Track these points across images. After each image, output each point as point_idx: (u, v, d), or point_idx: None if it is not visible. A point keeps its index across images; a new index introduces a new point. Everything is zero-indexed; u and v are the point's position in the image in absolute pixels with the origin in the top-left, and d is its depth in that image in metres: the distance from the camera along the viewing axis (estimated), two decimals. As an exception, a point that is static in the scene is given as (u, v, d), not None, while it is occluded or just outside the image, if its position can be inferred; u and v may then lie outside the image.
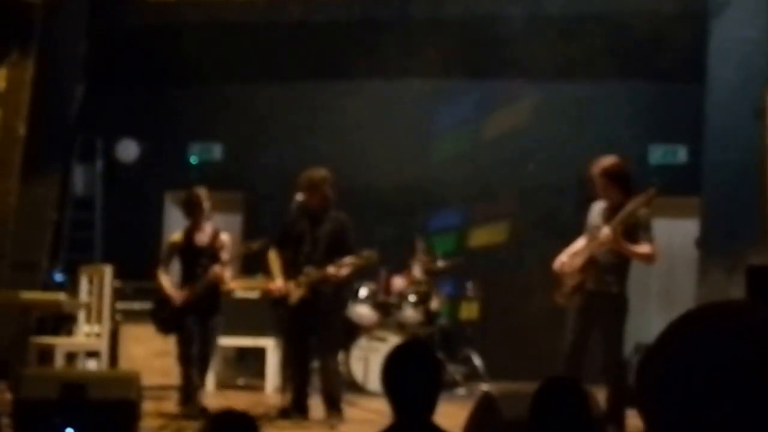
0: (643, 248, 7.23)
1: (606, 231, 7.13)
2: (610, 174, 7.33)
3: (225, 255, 8.43)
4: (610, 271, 7.29)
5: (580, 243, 7.56)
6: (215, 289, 8.50)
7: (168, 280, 8.50)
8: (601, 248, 7.24)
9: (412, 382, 3.51)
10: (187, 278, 8.46)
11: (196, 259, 8.42)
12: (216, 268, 8.34)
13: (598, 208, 7.51)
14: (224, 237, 8.54)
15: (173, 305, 8.35)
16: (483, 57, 11.45)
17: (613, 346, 7.28)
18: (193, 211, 8.53)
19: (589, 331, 7.32)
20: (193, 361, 8.31)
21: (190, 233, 8.53)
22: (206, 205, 8.50)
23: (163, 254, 8.69)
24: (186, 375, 8.35)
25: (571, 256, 7.50)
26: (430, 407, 3.50)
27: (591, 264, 7.32)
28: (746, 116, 9.26)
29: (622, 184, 7.33)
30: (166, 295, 8.40)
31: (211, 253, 8.40)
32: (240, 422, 3.49)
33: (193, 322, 8.34)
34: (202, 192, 8.56)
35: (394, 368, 3.57)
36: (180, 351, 8.44)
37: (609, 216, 7.32)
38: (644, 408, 1.50)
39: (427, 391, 3.53)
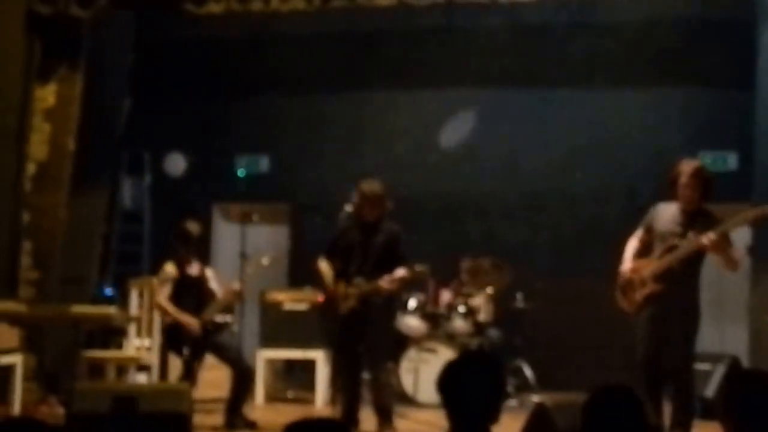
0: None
1: (712, 236, 6.86)
2: (703, 176, 7.15)
3: (214, 284, 8.62)
4: (685, 281, 7.11)
5: (632, 246, 7.36)
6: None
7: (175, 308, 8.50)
8: (688, 254, 7.02)
9: (470, 395, 3.36)
10: (183, 308, 8.44)
11: (189, 289, 8.52)
12: (234, 286, 8.50)
13: (669, 213, 7.26)
14: (208, 270, 8.75)
15: (187, 334, 8.37)
16: (529, 65, 11.37)
17: (687, 356, 7.14)
18: (198, 246, 8.63)
19: (663, 340, 7.10)
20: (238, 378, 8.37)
21: (183, 265, 8.57)
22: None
23: (166, 283, 8.56)
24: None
25: (638, 262, 7.31)
26: (491, 419, 3.35)
27: (668, 273, 7.12)
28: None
29: (708, 188, 7.15)
30: (179, 323, 8.40)
31: (200, 284, 8.56)
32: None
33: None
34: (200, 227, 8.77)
35: (451, 380, 3.44)
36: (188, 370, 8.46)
37: (686, 222, 7.13)
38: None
39: (487, 403, 3.39)
